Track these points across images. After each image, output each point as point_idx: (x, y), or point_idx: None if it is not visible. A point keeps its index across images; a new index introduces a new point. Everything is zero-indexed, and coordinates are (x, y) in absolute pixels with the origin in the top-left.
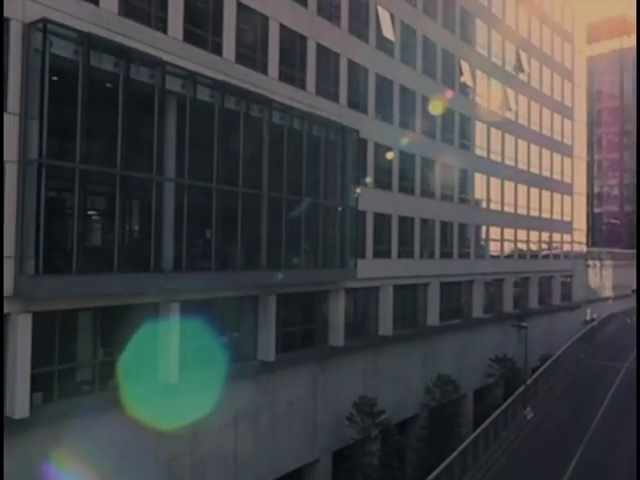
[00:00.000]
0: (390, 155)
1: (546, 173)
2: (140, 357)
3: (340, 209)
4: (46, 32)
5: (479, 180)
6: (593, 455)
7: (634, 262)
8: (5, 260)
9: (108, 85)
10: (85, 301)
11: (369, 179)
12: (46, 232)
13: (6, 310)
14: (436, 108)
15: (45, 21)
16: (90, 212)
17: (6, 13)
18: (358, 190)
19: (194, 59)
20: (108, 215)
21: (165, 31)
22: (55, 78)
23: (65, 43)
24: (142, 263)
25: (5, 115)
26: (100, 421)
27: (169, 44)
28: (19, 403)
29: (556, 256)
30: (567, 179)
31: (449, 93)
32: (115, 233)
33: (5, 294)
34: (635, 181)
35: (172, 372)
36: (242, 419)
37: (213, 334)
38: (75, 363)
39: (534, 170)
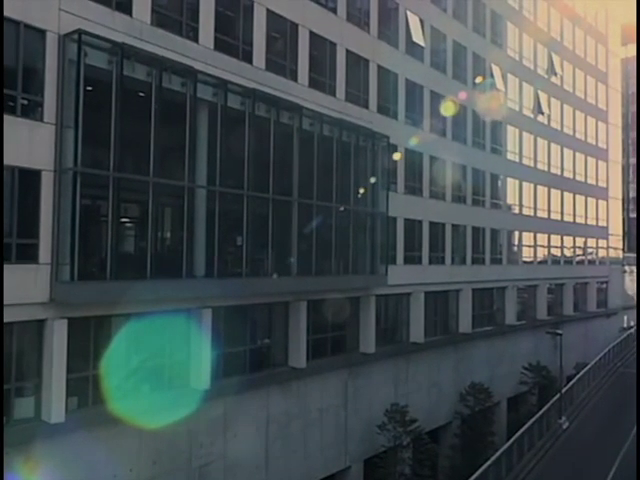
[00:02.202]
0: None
1: (580, 177)
2: (172, 363)
3: (370, 215)
4: (81, 43)
5: (511, 185)
6: (632, 467)
7: None
8: (41, 267)
9: (141, 94)
10: (119, 307)
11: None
12: (81, 239)
13: (42, 316)
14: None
15: (80, 32)
16: (124, 219)
17: (42, 25)
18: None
19: (225, 67)
20: (141, 222)
21: (196, 40)
22: (90, 88)
23: (99, 53)
24: (174, 269)
25: (41, 125)
26: (134, 426)
27: (200, 53)
28: (55, 408)
29: (591, 262)
30: (602, 183)
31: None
32: (148, 240)
33: (41, 300)
34: None
35: (204, 378)
36: (273, 426)
37: (244, 340)
38: (110, 369)
39: (568, 174)
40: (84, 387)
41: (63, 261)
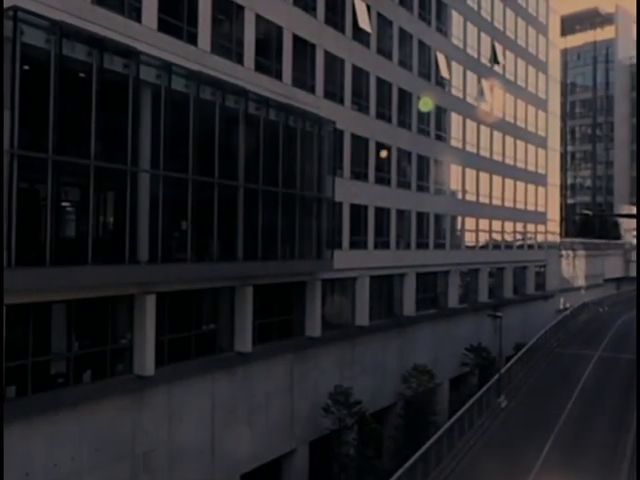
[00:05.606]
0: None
1: (521, 164)
2: (115, 349)
3: (316, 200)
4: (17, 20)
5: (455, 171)
6: (566, 441)
7: (606, 252)
8: None
9: (81, 75)
10: (59, 293)
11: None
12: (19, 224)
13: None
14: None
15: (16, 9)
16: (64, 203)
17: None
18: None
19: (169, 49)
20: (82, 207)
21: (139, 20)
22: (27, 67)
23: (37, 32)
24: (117, 255)
25: None
26: (75, 414)
27: (143, 33)
28: None
29: (530, 246)
30: (541, 170)
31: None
32: (89, 225)
33: None
34: (627, 178)
35: (148, 364)
36: (219, 410)
37: (189, 325)
38: (49, 356)
39: (509, 161)
40: (23, 375)
41: None
